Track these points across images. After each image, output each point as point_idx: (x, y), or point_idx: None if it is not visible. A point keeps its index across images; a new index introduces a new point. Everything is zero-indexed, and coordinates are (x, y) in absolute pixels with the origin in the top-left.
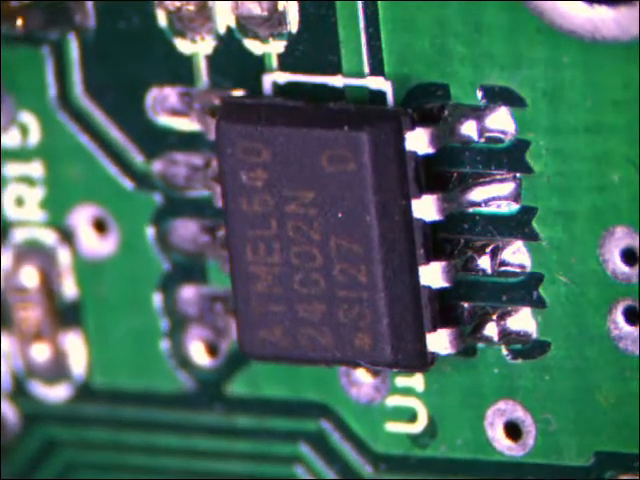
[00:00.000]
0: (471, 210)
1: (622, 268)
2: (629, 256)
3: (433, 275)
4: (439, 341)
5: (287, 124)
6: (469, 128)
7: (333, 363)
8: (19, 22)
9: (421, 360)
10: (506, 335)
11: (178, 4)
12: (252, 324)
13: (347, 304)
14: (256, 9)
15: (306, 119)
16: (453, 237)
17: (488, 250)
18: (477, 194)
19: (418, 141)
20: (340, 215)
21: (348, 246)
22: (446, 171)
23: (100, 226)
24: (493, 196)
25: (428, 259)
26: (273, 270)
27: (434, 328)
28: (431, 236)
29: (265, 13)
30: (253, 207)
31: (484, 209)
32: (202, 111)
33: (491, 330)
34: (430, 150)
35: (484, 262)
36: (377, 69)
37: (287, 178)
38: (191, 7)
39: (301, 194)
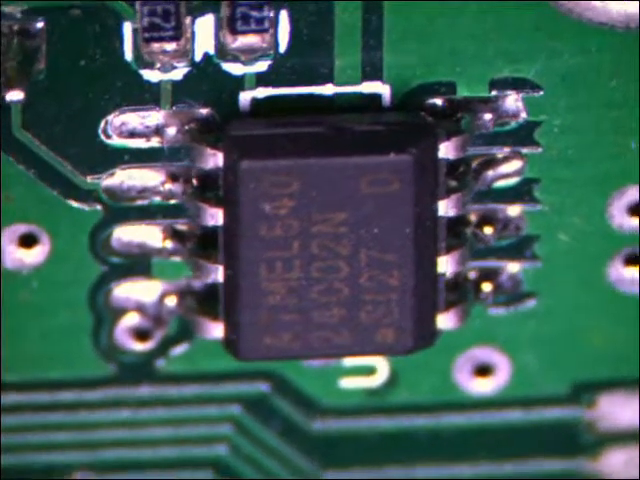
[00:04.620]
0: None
1: (629, 221)
2: (637, 210)
3: (449, 263)
4: (448, 319)
5: (319, 155)
6: (487, 119)
7: (344, 356)
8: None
9: (432, 340)
10: (499, 290)
11: (169, 47)
12: (257, 333)
13: (372, 306)
14: (258, 43)
15: (337, 147)
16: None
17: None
18: (488, 175)
19: (450, 149)
20: (376, 231)
21: (380, 256)
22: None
23: (27, 240)
24: (502, 174)
25: (448, 251)
26: (289, 284)
27: (447, 310)
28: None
29: (265, 45)
30: (274, 232)
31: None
32: (179, 136)
33: (487, 289)
34: (461, 155)
35: (488, 231)
36: (374, 73)
37: (317, 203)
38: (179, 46)
39: (332, 216)
